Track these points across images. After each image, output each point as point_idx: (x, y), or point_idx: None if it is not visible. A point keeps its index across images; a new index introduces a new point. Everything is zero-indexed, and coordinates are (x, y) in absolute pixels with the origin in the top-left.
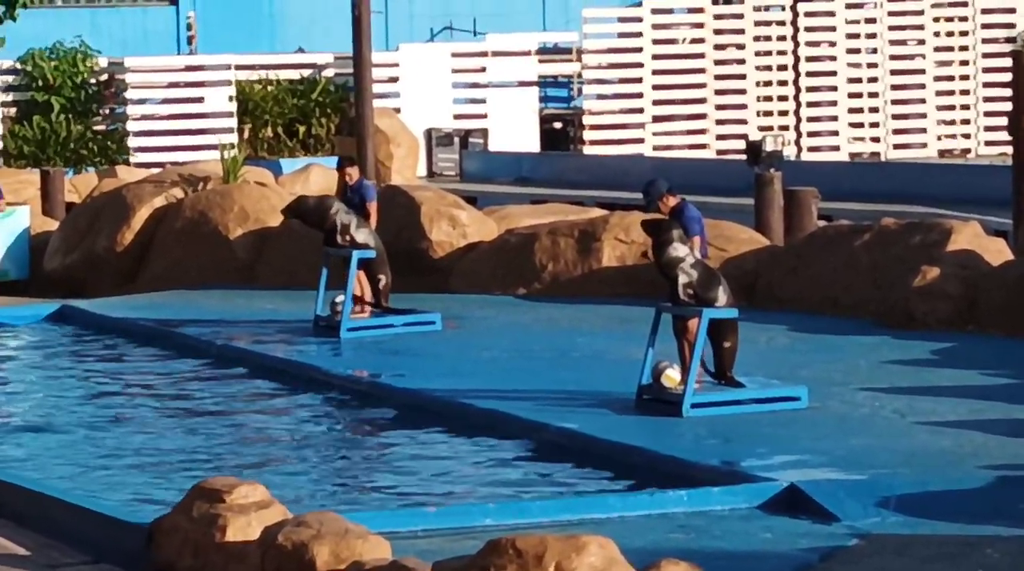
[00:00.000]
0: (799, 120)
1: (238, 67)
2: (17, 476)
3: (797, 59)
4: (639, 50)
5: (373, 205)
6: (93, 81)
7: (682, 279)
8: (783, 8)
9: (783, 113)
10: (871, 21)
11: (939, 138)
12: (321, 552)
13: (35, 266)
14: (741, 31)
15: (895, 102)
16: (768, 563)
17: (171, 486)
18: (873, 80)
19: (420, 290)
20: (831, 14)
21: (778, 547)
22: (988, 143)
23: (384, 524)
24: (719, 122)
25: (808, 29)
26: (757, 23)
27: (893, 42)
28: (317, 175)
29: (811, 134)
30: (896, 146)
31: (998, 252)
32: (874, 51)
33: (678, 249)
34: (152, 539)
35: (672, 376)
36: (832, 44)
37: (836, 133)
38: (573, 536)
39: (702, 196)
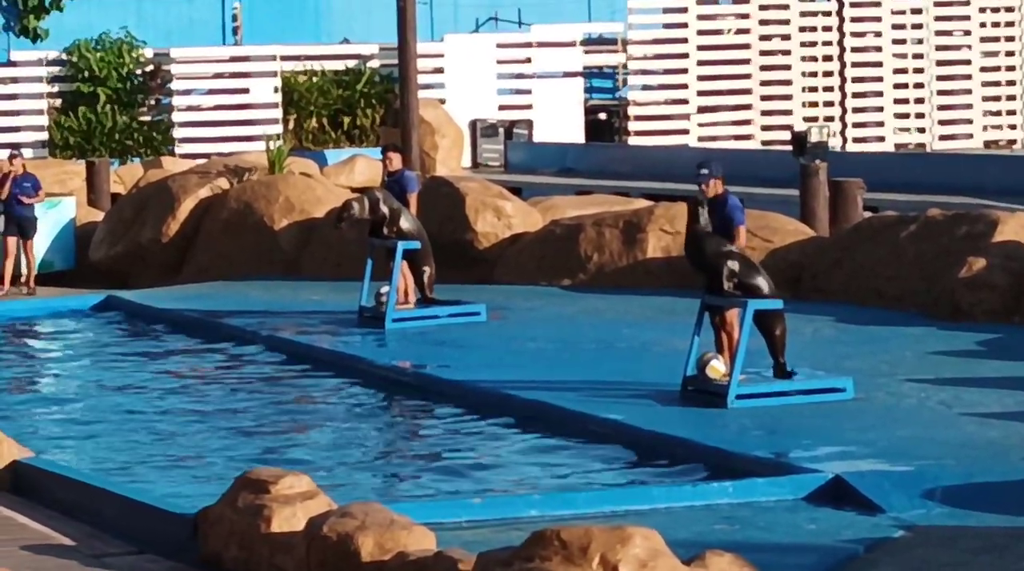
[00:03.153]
0: (844, 111)
1: (283, 58)
2: (62, 466)
3: (843, 50)
4: (684, 41)
5: (413, 196)
6: (139, 72)
7: (726, 271)
8: None
9: (828, 104)
10: (917, 12)
11: (985, 129)
12: (366, 543)
13: (80, 257)
14: (786, 22)
15: (940, 93)
16: (813, 554)
17: (216, 477)
18: (919, 71)
19: (465, 281)
20: (877, 4)
21: (823, 539)
22: None
23: (429, 515)
24: (764, 113)
25: (854, 20)
26: (802, 14)
27: (939, 32)
28: (362, 166)
29: (856, 125)
30: (942, 137)
31: None
32: (920, 42)
33: (720, 241)
34: (197, 530)
35: (717, 367)
36: (878, 35)
37: (881, 124)
38: (618, 527)
39: (747, 187)
